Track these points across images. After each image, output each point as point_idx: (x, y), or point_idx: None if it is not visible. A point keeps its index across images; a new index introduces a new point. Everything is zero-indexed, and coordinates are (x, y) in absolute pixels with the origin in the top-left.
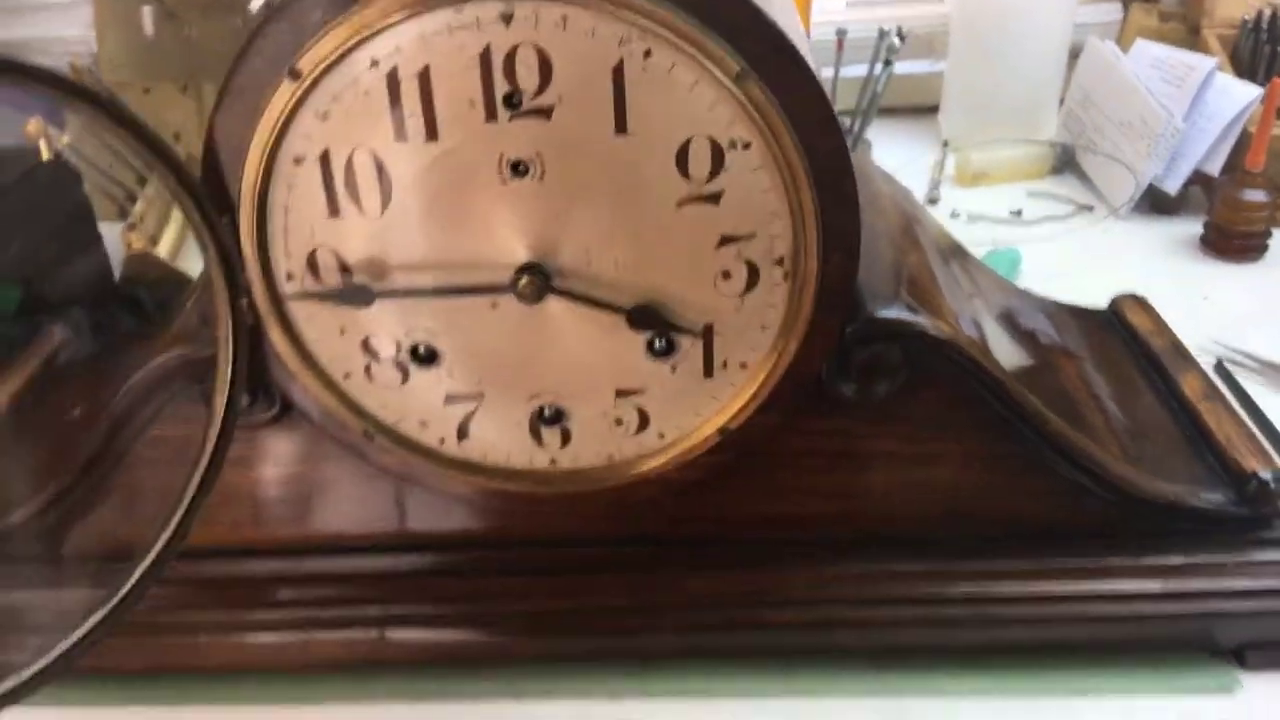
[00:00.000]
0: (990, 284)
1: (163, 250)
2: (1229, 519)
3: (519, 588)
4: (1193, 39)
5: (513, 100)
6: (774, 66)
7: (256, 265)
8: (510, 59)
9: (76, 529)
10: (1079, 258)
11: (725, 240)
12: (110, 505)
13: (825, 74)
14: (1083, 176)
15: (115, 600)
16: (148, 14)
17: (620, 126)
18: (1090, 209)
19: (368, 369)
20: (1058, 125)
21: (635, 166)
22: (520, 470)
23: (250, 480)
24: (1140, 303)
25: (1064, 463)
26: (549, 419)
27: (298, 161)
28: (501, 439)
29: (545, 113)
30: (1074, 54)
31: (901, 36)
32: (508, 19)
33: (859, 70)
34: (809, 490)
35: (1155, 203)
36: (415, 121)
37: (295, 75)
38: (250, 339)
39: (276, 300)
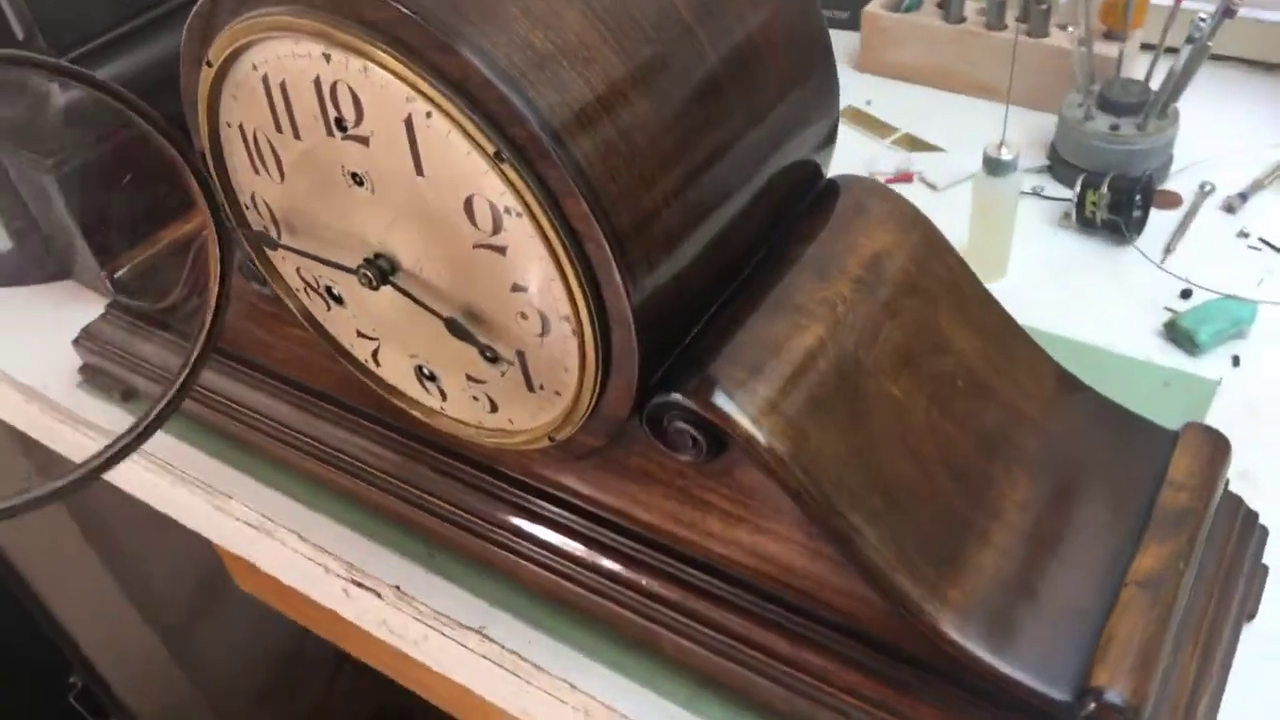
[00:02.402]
0: (1024, 365)
1: None
2: (1042, 713)
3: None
4: None
5: (341, 124)
6: (534, 152)
7: (223, 193)
8: (334, 90)
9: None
10: None
11: (516, 288)
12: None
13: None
14: None
15: (159, 405)
16: None
17: (418, 169)
18: None
19: (305, 290)
20: None
21: (434, 205)
22: (420, 403)
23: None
24: (1211, 441)
25: (878, 592)
26: (428, 376)
27: (228, 125)
28: (401, 377)
29: (364, 141)
30: None
31: None
32: (328, 57)
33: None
34: (648, 504)
35: None
36: (284, 120)
37: (208, 64)
38: None
39: (242, 223)
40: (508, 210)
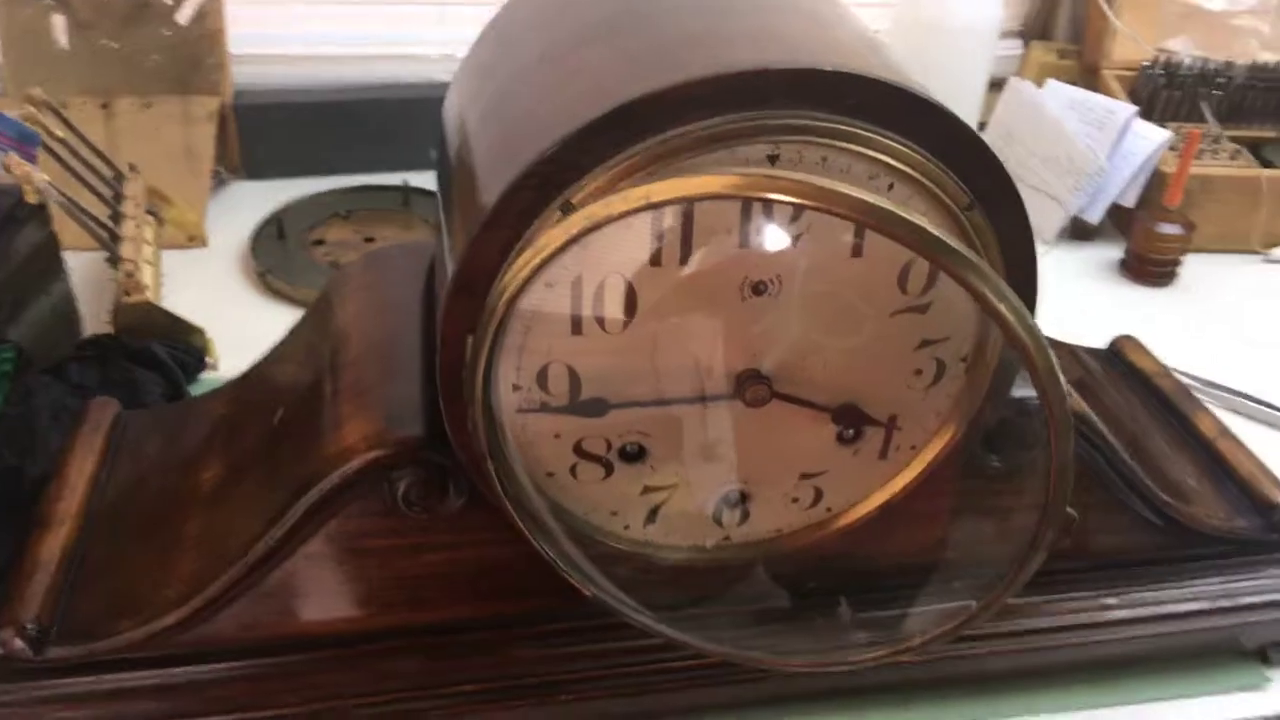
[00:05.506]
0: None
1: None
2: (1260, 543)
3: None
4: (1090, 78)
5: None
6: (992, 194)
7: (480, 378)
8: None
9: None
10: None
11: (924, 343)
12: (268, 596)
13: None
14: None
15: None
16: (59, 24)
17: (857, 252)
18: None
19: (574, 468)
20: None
21: (862, 284)
22: (687, 546)
23: (416, 563)
24: (1137, 344)
25: (1142, 504)
26: (733, 502)
27: (549, 285)
28: (685, 522)
29: (792, 240)
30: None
31: None
32: (774, 159)
33: None
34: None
35: (1076, 231)
36: (671, 249)
37: (567, 209)
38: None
39: (489, 411)
40: None
